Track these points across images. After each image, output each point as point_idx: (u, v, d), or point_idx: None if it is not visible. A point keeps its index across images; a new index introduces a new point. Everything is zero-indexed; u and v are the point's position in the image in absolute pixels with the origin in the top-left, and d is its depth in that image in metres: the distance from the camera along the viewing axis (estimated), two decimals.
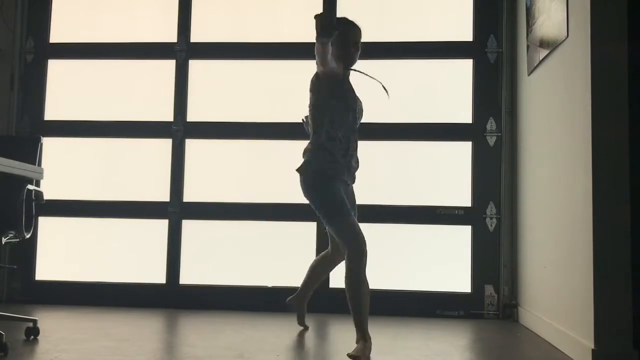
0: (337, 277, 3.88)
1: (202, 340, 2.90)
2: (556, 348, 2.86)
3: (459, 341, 3.11)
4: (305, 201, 3.88)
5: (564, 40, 2.87)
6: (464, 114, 3.94)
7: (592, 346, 2.44)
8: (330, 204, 2.76)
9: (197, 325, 3.35)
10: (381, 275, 3.86)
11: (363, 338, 2.62)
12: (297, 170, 2.91)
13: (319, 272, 3.23)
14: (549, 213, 3.14)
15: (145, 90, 4.14)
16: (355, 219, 2.80)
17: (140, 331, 3.14)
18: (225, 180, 4.05)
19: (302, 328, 3.25)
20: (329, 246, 3.13)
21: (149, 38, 4.14)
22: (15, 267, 3.79)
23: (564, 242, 2.88)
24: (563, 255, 2.89)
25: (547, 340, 3.02)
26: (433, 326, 3.46)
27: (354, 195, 3.02)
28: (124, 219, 4.05)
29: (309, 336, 3.17)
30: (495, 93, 3.91)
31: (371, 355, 2.59)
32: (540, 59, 3.24)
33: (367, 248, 2.69)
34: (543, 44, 3.19)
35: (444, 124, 3.94)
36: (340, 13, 4.04)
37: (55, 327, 3.15)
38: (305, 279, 3.24)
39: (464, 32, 3.98)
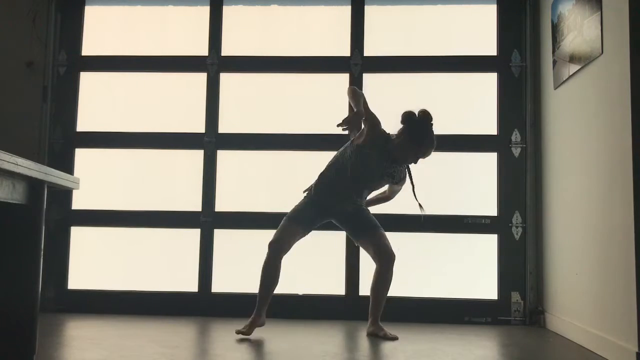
0: (366, 285, 3.98)
1: (250, 346, 2.98)
2: (594, 352, 2.97)
3: (497, 346, 3.22)
4: None
5: (598, 57, 3.00)
6: (489, 126, 4.07)
7: (637, 349, 2.55)
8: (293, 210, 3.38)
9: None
10: (411, 282, 3.98)
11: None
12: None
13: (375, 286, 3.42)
14: (581, 222, 3.26)
15: (177, 102, 4.23)
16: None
17: (185, 338, 3.21)
18: (256, 190, 4.14)
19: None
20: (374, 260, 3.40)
21: (180, 51, 4.23)
22: None
23: (600, 249, 3.00)
24: (599, 261, 3.00)
25: (583, 345, 3.13)
26: (466, 332, 3.56)
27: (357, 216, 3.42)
28: (156, 229, 4.12)
29: (350, 342, 3.26)
30: (520, 106, 4.04)
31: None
32: (570, 74, 3.37)
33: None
34: (574, 59, 3.32)
35: (470, 135, 4.06)
36: (367, 29, 4.17)
37: (103, 335, 3.21)
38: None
39: (489, 46, 4.12)
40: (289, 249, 3.33)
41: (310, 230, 3.42)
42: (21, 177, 2.17)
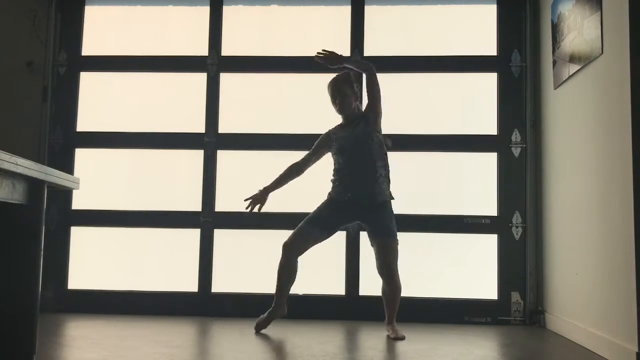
0: (366, 285, 3.98)
1: (250, 347, 2.98)
2: (594, 352, 2.97)
3: (497, 346, 3.22)
4: None
5: (598, 57, 3.00)
6: (489, 126, 4.07)
7: (637, 349, 2.55)
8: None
9: (238, 332, 3.42)
10: (411, 282, 3.97)
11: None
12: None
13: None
14: (580, 222, 3.26)
15: (177, 102, 4.23)
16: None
17: (186, 338, 3.21)
18: (256, 190, 4.12)
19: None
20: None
21: (180, 51, 4.23)
22: None
23: (600, 249, 2.99)
24: (599, 261, 3.00)
25: (583, 345, 3.13)
26: (466, 332, 3.56)
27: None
28: (156, 229, 4.12)
29: (350, 342, 3.25)
30: (520, 106, 4.04)
31: None
32: (570, 74, 3.37)
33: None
34: (574, 59, 3.32)
35: (470, 135, 4.06)
36: (367, 29, 4.17)
37: (103, 335, 3.21)
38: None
39: (489, 46, 4.12)
40: (304, 252, 3.38)
41: (331, 234, 3.44)
42: (21, 177, 2.17)
